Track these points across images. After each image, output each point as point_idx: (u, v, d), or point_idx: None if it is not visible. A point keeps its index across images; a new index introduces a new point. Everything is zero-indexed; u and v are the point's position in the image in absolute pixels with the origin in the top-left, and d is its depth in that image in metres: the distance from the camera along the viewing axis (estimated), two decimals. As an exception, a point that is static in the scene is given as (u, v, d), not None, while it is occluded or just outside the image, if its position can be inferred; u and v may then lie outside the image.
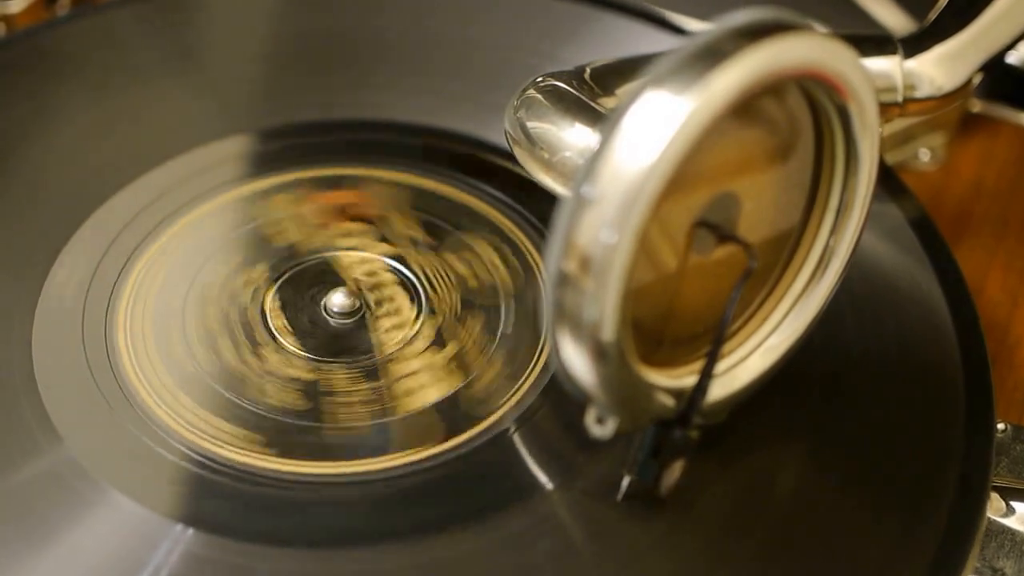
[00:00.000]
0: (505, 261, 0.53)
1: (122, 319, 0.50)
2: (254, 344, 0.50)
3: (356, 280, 0.52)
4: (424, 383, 0.49)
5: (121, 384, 0.48)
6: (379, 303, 0.51)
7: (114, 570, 0.43)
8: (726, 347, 0.45)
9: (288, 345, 0.50)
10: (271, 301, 0.51)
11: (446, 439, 0.47)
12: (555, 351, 0.40)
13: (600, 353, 0.39)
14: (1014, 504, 0.47)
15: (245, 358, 0.49)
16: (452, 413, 0.48)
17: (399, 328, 0.51)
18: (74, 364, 0.49)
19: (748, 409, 0.46)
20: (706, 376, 0.43)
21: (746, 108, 0.41)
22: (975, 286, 0.55)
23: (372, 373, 0.49)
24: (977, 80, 0.52)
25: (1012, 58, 0.63)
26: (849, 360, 0.49)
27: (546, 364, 0.49)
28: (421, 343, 0.50)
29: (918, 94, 0.51)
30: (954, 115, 0.62)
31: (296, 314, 0.51)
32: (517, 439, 0.47)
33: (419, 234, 0.54)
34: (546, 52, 0.59)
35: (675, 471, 0.44)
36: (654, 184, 0.37)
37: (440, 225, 0.54)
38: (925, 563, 0.44)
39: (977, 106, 0.64)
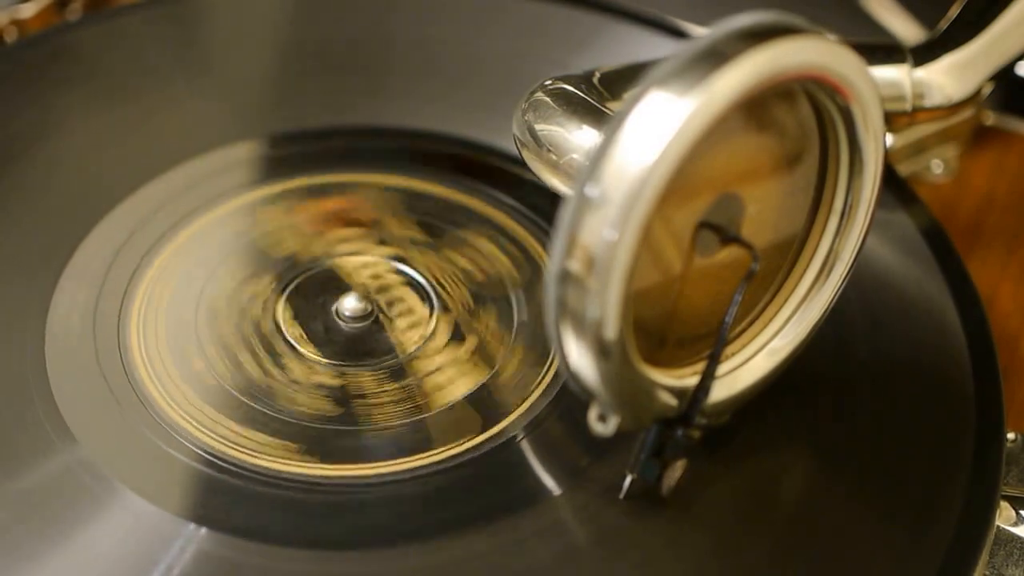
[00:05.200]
0: (512, 258, 0.54)
1: (134, 321, 0.51)
2: (272, 352, 0.50)
3: (364, 284, 0.52)
4: (452, 377, 0.49)
5: (133, 385, 0.48)
6: (391, 304, 0.52)
7: (127, 568, 0.43)
8: (730, 349, 0.45)
9: (306, 352, 0.50)
10: (282, 310, 0.52)
11: (482, 431, 0.47)
12: (558, 348, 0.40)
13: (602, 351, 0.39)
14: (1024, 513, 0.47)
15: (261, 364, 0.50)
16: (485, 403, 0.49)
17: (416, 327, 0.51)
18: (87, 366, 0.49)
19: (759, 413, 0.46)
20: (708, 376, 0.43)
21: (750, 112, 0.41)
22: (987, 297, 0.55)
23: (398, 373, 0.50)
24: (987, 90, 0.53)
25: (1025, 71, 0.63)
26: (860, 368, 0.49)
27: (556, 372, 0.49)
28: (441, 339, 0.51)
29: (927, 103, 0.51)
30: (967, 127, 0.62)
31: (309, 321, 0.51)
32: (526, 445, 0.47)
33: (419, 235, 0.54)
34: (559, 60, 0.59)
35: (677, 471, 0.44)
36: (656, 183, 0.37)
37: (446, 228, 0.55)
38: (933, 570, 0.44)
39: (990, 118, 0.64)
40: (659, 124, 0.37)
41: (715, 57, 0.38)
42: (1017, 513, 0.47)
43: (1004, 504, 0.46)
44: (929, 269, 0.53)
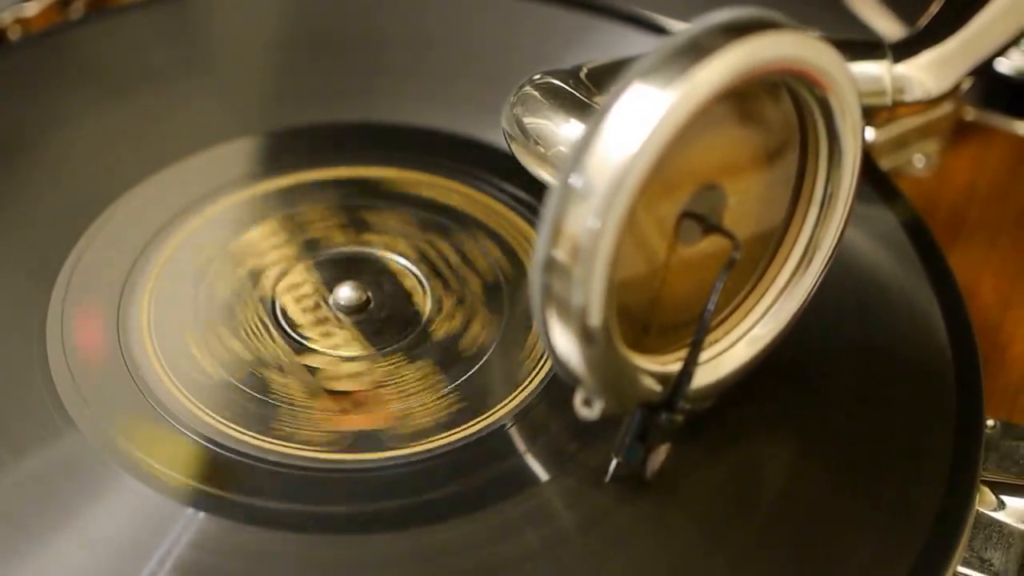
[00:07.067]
0: (508, 257, 0.54)
1: (135, 310, 0.51)
2: (269, 333, 0.51)
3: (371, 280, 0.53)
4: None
5: (133, 372, 0.49)
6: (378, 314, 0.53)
7: (128, 552, 0.44)
8: (712, 336, 0.46)
9: (309, 338, 0.51)
10: (282, 292, 0.52)
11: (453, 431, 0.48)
12: (544, 335, 0.41)
13: (587, 337, 0.40)
14: (1004, 498, 0.47)
15: (257, 346, 0.50)
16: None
17: (361, 344, 0.52)
18: (88, 354, 0.49)
19: (743, 399, 0.47)
20: (691, 363, 0.44)
21: (730, 106, 0.42)
22: (968, 289, 0.56)
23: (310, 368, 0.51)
24: (966, 85, 0.53)
25: (1005, 68, 0.64)
26: (843, 356, 0.50)
27: (544, 364, 0.50)
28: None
29: (907, 98, 0.52)
30: (948, 123, 0.62)
31: (310, 310, 0.52)
32: (514, 432, 0.48)
33: (428, 234, 0.55)
34: (550, 57, 0.59)
35: (660, 454, 0.44)
36: (638, 173, 0.38)
37: (444, 222, 0.55)
38: (914, 552, 0.44)
39: (971, 114, 0.65)
40: (641, 116, 0.38)
41: (696, 51, 0.38)
42: (997, 498, 0.47)
43: (984, 489, 0.47)
44: (911, 261, 0.53)
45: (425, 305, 0.52)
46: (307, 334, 0.51)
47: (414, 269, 0.53)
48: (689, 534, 0.45)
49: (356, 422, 0.49)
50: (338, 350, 0.51)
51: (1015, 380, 0.55)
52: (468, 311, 0.52)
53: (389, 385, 0.50)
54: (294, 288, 0.53)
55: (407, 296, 0.52)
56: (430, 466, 0.47)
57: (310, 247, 0.54)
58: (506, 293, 0.53)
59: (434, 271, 0.53)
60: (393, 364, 0.50)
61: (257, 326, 0.51)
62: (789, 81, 0.42)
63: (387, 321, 0.52)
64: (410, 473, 0.47)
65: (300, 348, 0.51)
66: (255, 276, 0.53)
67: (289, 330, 0.51)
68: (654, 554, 0.44)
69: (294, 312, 0.52)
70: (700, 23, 0.39)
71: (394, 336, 0.51)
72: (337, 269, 0.53)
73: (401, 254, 0.54)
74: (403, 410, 0.49)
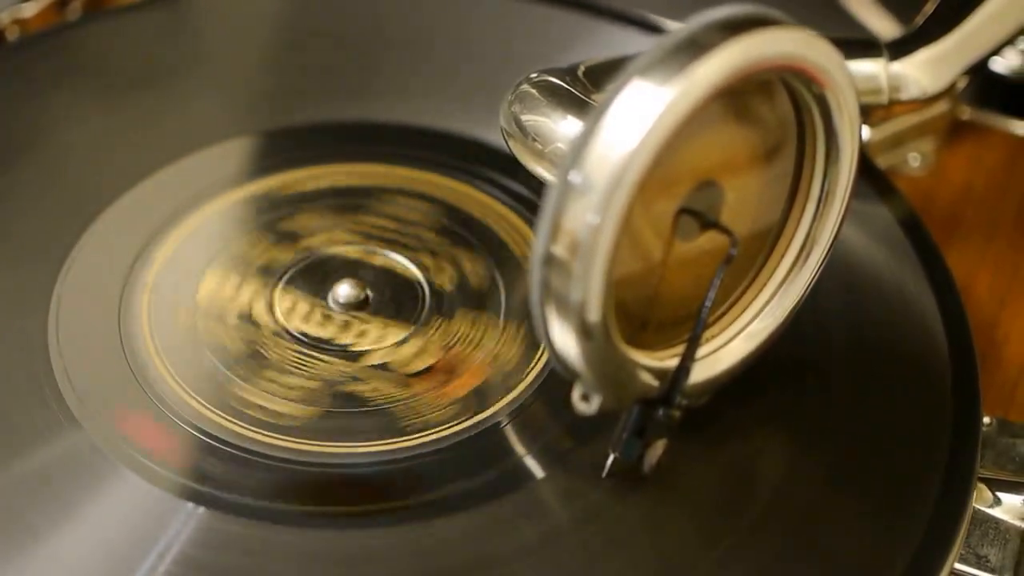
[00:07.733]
0: (507, 263, 0.54)
1: (135, 307, 0.51)
2: (261, 329, 0.51)
3: (365, 273, 0.53)
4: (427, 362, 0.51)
5: (135, 369, 0.49)
6: (383, 297, 0.53)
7: (129, 547, 0.44)
8: (710, 332, 0.46)
9: (293, 330, 0.51)
10: (281, 289, 0.52)
11: (451, 425, 0.48)
12: (542, 330, 0.41)
13: (585, 332, 0.40)
14: (1000, 495, 0.47)
15: (252, 341, 0.51)
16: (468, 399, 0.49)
17: (398, 327, 0.52)
18: (90, 351, 0.50)
19: (741, 395, 0.47)
20: (688, 358, 0.44)
21: (729, 103, 0.42)
22: (965, 287, 0.56)
23: (379, 366, 0.50)
24: (962, 84, 0.54)
25: (1000, 67, 0.64)
26: (841, 354, 0.50)
27: (542, 363, 0.50)
28: (419, 339, 0.51)
29: (903, 96, 0.52)
30: (943, 122, 0.63)
31: (303, 302, 0.52)
32: (510, 430, 0.48)
33: (431, 236, 0.55)
34: (547, 58, 0.58)
35: (657, 450, 0.44)
36: (637, 169, 0.38)
37: (449, 226, 0.55)
38: (911, 549, 0.44)
39: (967, 113, 0.65)
40: (640, 112, 0.38)
41: (694, 48, 0.38)
42: (994, 495, 0.47)
43: (981, 486, 0.47)
44: (908, 259, 0.53)
45: (417, 273, 0.53)
46: (342, 340, 0.51)
47: (399, 257, 0.54)
48: (686, 530, 0.45)
49: (464, 383, 0.50)
50: (385, 341, 0.51)
51: (1011, 377, 0.55)
52: (450, 258, 0.53)
53: (455, 344, 0.51)
54: (294, 296, 0.53)
55: (398, 274, 0.53)
56: (427, 463, 0.47)
57: (307, 246, 0.54)
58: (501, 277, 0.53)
59: (418, 248, 0.54)
60: (439, 327, 0.51)
61: (293, 352, 0.51)
62: (787, 78, 0.42)
63: (398, 300, 0.52)
64: (407, 470, 0.47)
65: (354, 356, 0.51)
66: (257, 278, 0.53)
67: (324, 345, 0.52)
68: (651, 550, 0.45)
69: (309, 325, 0.52)
70: (698, 20, 0.39)
71: (416, 306, 0.52)
72: (333, 268, 0.53)
73: (394, 250, 0.54)
74: (488, 354, 0.50)
